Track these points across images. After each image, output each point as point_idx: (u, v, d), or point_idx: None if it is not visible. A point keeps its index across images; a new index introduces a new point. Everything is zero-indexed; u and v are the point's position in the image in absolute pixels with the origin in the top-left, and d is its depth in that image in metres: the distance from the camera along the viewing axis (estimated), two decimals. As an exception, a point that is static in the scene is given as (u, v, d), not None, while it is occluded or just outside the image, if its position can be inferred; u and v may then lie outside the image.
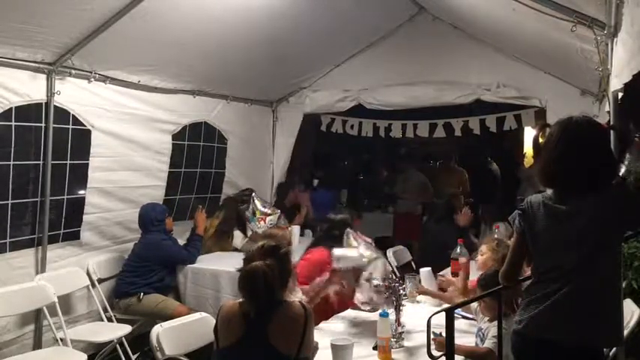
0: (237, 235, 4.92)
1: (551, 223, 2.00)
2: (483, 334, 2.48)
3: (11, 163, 3.57)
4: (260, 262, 2.04)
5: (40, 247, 3.81)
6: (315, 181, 6.60)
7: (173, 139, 4.78)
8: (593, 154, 1.97)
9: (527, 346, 2.03)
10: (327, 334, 2.69)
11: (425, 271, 3.43)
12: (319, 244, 3.46)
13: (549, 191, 2.06)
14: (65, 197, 3.96)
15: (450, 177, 7.27)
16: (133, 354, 3.99)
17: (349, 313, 3.09)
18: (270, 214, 4.61)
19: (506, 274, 2.20)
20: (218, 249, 4.88)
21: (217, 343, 2.09)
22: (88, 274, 4.09)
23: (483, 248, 3.22)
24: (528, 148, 7.01)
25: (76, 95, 3.87)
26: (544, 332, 1.97)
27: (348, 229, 3.29)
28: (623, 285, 2.62)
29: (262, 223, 4.53)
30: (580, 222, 1.94)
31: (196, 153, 5.14)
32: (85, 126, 3.99)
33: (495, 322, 2.41)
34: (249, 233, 4.85)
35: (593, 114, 4.41)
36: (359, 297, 2.94)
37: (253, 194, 4.90)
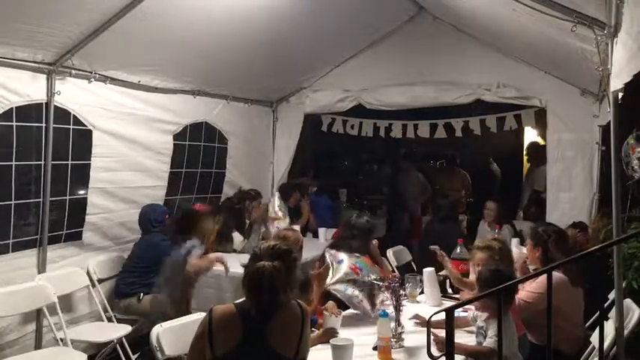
0: (237, 237, 4.92)
1: None
2: (484, 332, 2.48)
3: (13, 163, 3.57)
4: (268, 263, 2.01)
5: (41, 248, 3.81)
6: (314, 189, 6.48)
7: (174, 140, 4.78)
8: None
9: None
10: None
11: (428, 271, 3.42)
12: (338, 248, 3.43)
13: None
14: (67, 198, 3.95)
15: (453, 179, 7.28)
16: (133, 354, 3.98)
17: (349, 312, 3.10)
18: (279, 219, 4.58)
19: None
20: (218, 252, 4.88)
21: (212, 349, 1.97)
22: (88, 274, 4.09)
23: (479, 260, 3.06)
24: (530, 143, 6.93)
25: (76, 95, 3.87)
26: None
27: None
28: (623, 285, 2.62)
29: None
30: None
31: (197, 153, 5.14)
32: (85, 126, 3.99)
33: (495, 320, 2.41)
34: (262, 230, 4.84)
35: (593, 114, 4.43)
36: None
37: (277, 193, 4.88)
